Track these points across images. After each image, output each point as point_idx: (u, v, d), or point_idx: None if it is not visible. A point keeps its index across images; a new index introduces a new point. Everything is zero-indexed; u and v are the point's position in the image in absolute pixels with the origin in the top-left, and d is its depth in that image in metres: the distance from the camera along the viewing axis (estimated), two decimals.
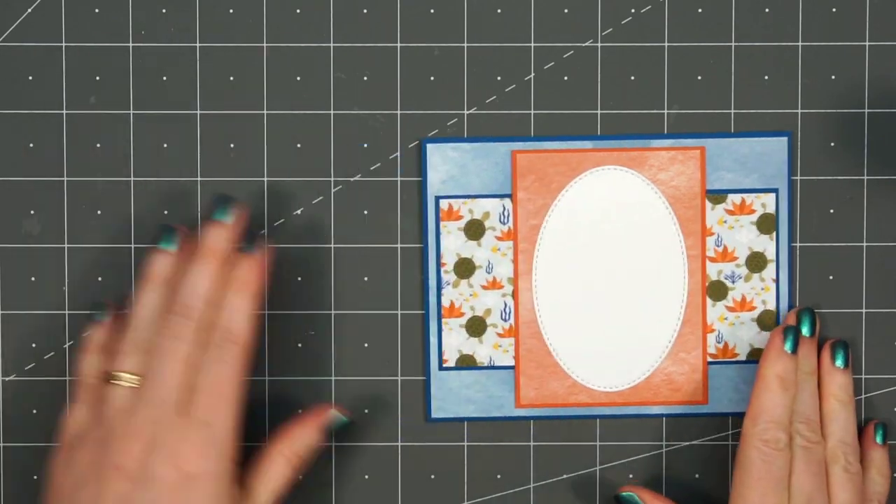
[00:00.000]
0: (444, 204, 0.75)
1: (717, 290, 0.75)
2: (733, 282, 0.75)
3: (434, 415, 0.75)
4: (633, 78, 0.75)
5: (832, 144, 0.75)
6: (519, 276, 0.75)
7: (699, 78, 0.75)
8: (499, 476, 0.76)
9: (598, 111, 0.75)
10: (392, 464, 0.76)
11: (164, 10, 0.75)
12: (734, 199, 0.75)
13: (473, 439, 0.75)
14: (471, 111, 0.75)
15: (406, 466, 0.76)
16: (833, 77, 0.75)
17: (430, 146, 0.75)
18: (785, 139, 0.75)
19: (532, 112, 0.75)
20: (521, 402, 0.75)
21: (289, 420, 0.72)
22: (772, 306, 0.75)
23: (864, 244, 0.75)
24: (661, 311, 0.75)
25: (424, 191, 0.75)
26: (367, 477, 0.76)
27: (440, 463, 0.75)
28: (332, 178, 0.75)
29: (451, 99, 0.75)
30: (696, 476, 0.75)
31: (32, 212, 0.75)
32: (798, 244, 0.75)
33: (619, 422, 0.75)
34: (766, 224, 0.75)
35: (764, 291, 0.75)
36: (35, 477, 0.75)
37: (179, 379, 0.69)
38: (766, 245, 0.75)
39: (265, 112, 0.75)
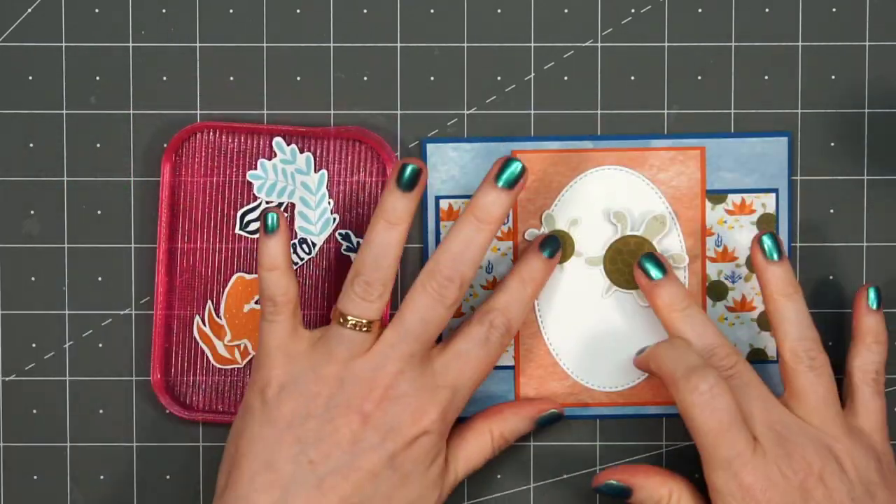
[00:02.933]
0: (444, 204, 0.75)
1: (717, 290, 0.75)
2: (733, 282, 0.75)
3: None
4: (633, 78, 0.75)
5: (832, 144, 0.75)
6: None
7: (699, 78, 0.75)
8: (499, 476, 0.76)
9: (598, 111, 0.75)
10: None
11: (164, 10, 0.75)
12: (734, 199, 0.75)
13: None
14: (471, 111, 0.75)
15: None
16: (833, 77, 0.75)
17: (430, 146, 0.75)
18: (785, 139, 0.75)
19: (532, 112, 0.75)
20: None
21: (502, 401, 0.74)
22: None
23: (864, 244, 0.75)
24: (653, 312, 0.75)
25: (425, 191, 0.75)
26: None
27: None
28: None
29: (451, 99, 0.75)
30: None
31: (32, 212, 0.75)
32: (798, 244, 0.75)
33: (619, 422, 0.75)
34: (767, 224, 0.75)
35: None
36: (35, 477, 0.75)
37: (432, 337, 0.69)
38: None
39: (265, 112, 0.75)
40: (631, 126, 0.75)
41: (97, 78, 0.75)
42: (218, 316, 0.74)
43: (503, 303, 0.70)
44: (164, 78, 0.75)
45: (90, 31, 0.75)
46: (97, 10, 0.75)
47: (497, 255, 0.75)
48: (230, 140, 0.74)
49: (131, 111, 0.75)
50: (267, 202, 0.74)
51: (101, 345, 0.75)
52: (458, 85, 0.75)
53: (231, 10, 0.75)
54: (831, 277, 0.75)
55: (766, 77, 0.75)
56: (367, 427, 0.67)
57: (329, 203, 0.74)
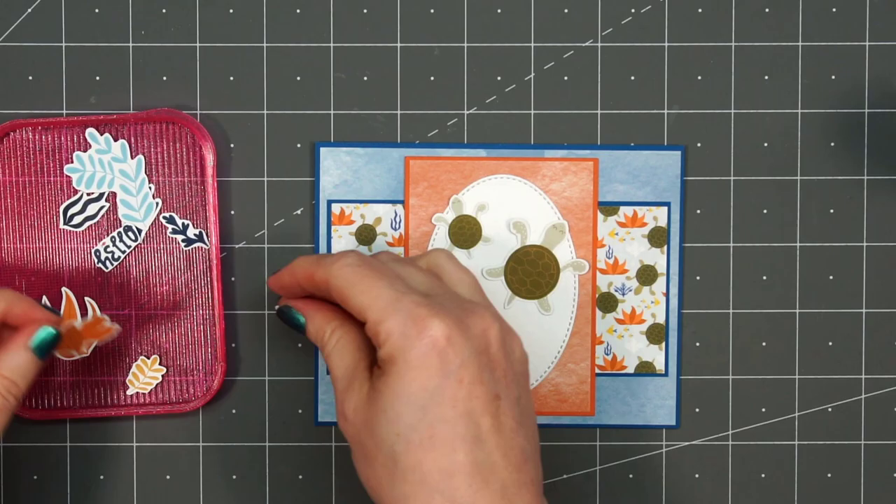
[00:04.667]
0: (336, 208, 0.75)
1: (606, 302, 0.75)
2: (623, 294, 0.75)
3: None
4: (633, 78, 0.75)
5: (832, 144, 0.75)
6: None
7: (699, 78, 0.75)
8: None
9: (599, 111, 0.75)
10: None
11: (164, 10, 0.75)
12: (626, 211, 0.75)
13: None
14: (471, 111, 0.75)
15: None
16: (833, 77, 0.75)
17: (322, 150, 0.74)
18: (678, 153, 0.75)
19: (532, 112, 0.75)
20: None
21: None
22: (661, 319, 0.75)
23: (864, 244, 0.75)
24: (551, 321, 0.75)
25: (317, 194, 0.75)
26: None
27: None
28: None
29: (451, 99, 0.75)
30: (696, 476, 0.75)
31: None
32: (798, 244, 0.75)
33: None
34: (658, 237, 0.75)
35: (654, 304, 0.75)
36: (35, 477, 0.75)
37: None
38: (657, 258, 0.75)
39: (265, 112, 0.75)
40: (631, 126, 0.75)
41: (97, 78, 0.75)
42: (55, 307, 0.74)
43: (5, 368, 0.67)
44: (164, 78, 0.75)
45: (90, 31, 0.75)
46: (97, 10, 0.75)
47: None
48: (45, 137, 0.74)
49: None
50: (87, 194, 0.74)
51: None
52: (458, 85, 0.75)
53: (231, 10, 0.75)
54: (831, 277, 0.75)
55: (766, 77, 0.75)
56: None
57: (150, 188, 0.74)
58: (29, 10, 0.75)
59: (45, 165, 0.74)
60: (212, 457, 0.75)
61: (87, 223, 0.74)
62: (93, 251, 0.74)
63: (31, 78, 0.75)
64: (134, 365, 0.74)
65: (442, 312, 0.64)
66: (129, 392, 0.74)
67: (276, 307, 0.70)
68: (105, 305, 0.74)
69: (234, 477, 0.75)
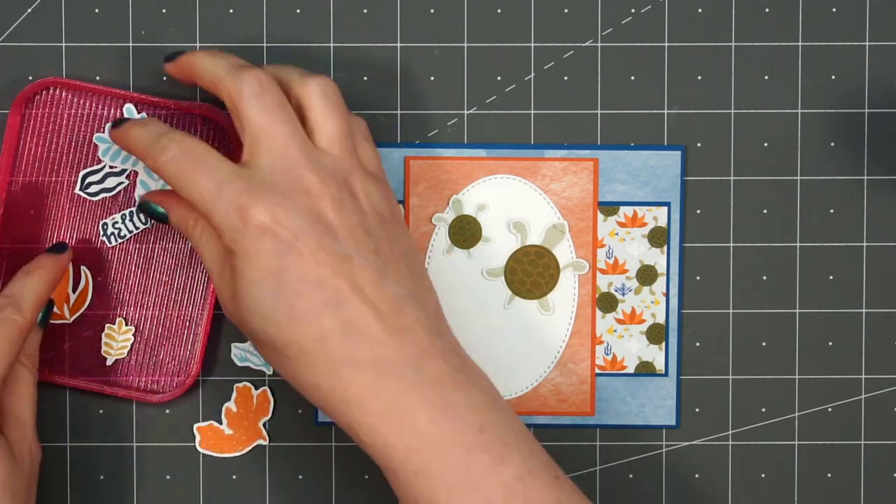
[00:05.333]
0: None
1: (606, 302, 0.75)
2: (623, 294, 0.75)
3: None
4: (633, 78, 0.75)
5: (832, 144, 0.75)
6: None
7: (699, 78, 0.75)
8: None
9: (599, 111, 0.75)
10: None
11: (164, 10, 0.75)
12: (626, 211, 0.75)
13: None
14: (471, 111, 0.75)
15: None
16: (833, 77, 0.75)
17: None
18: (678, 153, 0.75)
19: (532, 112, 0.75)
20: None
21: None
22: (661, 319, 0.75)
23: (864, 244, 0.75)
24: (551, 321, 0.75)
25: None
26: (367, 477, 0.76)
27: None
28: None
29: (451, 99, 0.75)
30: (697, 476, 0.75)
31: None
32: (798, 244, 0.75)
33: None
34: (658, 237, 0.75)
35: (654, 304, 0.75)
36: None
37: None
38: (657, 258, 0.75)
39: None
40: (631, 126, 0.75)
41: (97, 78, 0.75)
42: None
43: (9, 289, 0.70)
44: (164, 78, 0.75)
45: (90, 31, 0.75)
46: (97, 10, 0.75)
47: None
48: (81, 101, 0.74)
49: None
50: (111, 167, 0.74)
51: None
52: (458, 85, 0.75)
53: (231, 10, 0.75)
54: (831, 277, 0.75)
55: (766, 77, 0.75)
56: None
57: None
58: (29, 10, 0.75)
59: (75, 128, 0.74)
60: (211, 457, 0.75)
61: (103, 195, 0.74)
62: (101, 223, 0.74)
63: (31, 78, 0.75)
64: (106, 327, 0.74)
65: (262, 195, 0.64)
66: (108, 363, 0.75)
67: (137, 202, 0.71)
68: (97, 277, 0.74)
69: (234, 477, 0.76)
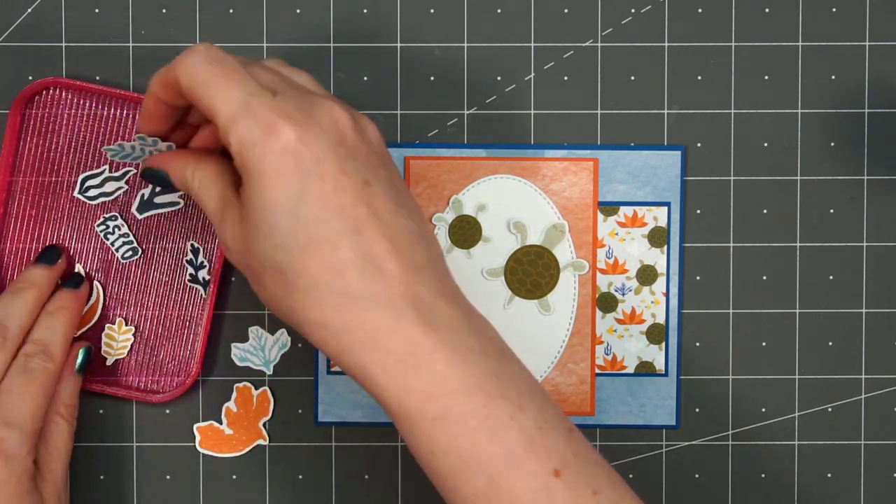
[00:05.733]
0: None
1: (606, 302, 0.75)
2: (623, 294, 0.75)
3: None
4: (633, 78, 0.75)
5: (832, 144, 0.75)
6: None
7: (699, 78, 0.75)
8: None
9: (599, 111, 0.75)
10: (392, 464, 0.76)
11: (164, 10, 0.75)
12: (626, 211, 0.75)
13: None
14: (471, 111, 0.75)
15: (406, 466, 0.76)
16: (833, 77, 0.75)
17: None
18: (678, 153, 0.75)
19: (532, 112, 0.75)
20: None
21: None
22: (661, 319, 0.75)
23: (864, 244, 0.75)
24: (551, 321, 0.75)
25: None
26: (367, 477, 0.76)
27: None
28: None
29: (451, 99, 0.75)
30: (696, 476, 0.75)
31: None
32: (798, 244, 0.75)
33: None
34: (658, 237, 0.75)
35: (654, 304, 0.75)
36: None
37: None
38: (657, 258, 0.75)
39: None
40: (631, 126, 0.75)
41: (97, 78, 0.75)
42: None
43: (36, 334, 0.71)
44: None
45: (90, 31, 0.75)
46: (97, 10, 0.75)
47: None
48: (81, 101, 0.74)
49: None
50: (110, 171, 0.74)
51: None
52: (458, 85, 0.75)
53: (231, 10, 0.75)
54: (831, 277, 0.75)
55: (766, 77, 0.75)
56: None
57: None
58: (29, 10, 0.75)
59: (75, 129, 0.74)
60: (211, 457, 0.75)
61: (102, 199, 0.74)
62: (96, 224, 0.74)
63: (31, 78, 0.75)
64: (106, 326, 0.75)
65: (290, 112, 0.61)
66: (108, 363, 0.75)
67: (140, 172, 0.69)
68: (97, 277, 0.74)
69: (234, 477, 0.76)
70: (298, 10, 0.75)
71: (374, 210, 0.61)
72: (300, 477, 0.76)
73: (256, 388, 0.75)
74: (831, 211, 0.75)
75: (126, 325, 0.74)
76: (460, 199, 0.75)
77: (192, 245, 0.74)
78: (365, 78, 0.75)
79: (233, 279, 0.75)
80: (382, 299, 0.60)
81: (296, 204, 0.60)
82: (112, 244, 0.74)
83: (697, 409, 0.76)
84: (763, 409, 0.76)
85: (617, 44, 0.75)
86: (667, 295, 0.75)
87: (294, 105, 0.62)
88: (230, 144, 0.61)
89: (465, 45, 0.75)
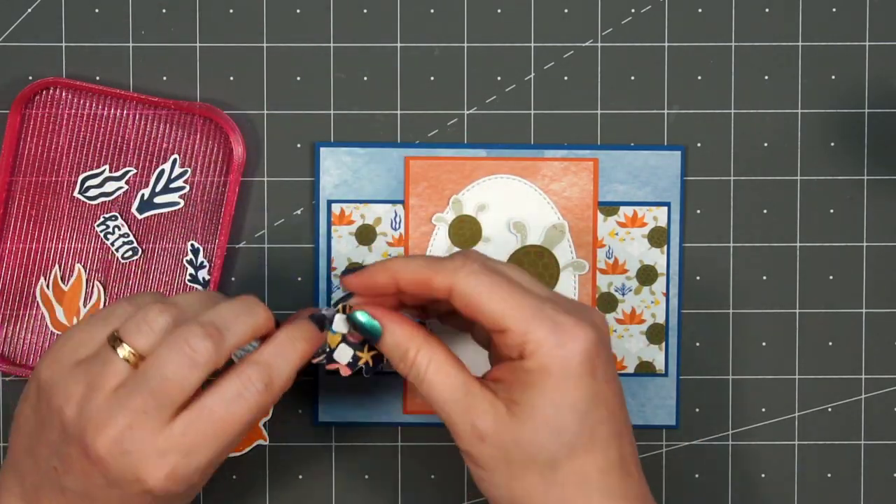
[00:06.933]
0: (336, 208, 0.75)
1: (606, 302, 0.75)
2: (623, 294, 0.75)
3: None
4: (633, 78, 0.75)
5: (832, 144, 0.75)
6: None
7: (699, 78, 0.75)
8: None
9: (599, 111, 0.75)
10: (392, 464, 0.76)
11: (164, 10, 0.75)
12: (626, 211, 0.75)
13: None
14: (471, 111, 0.75)
15: (406, 466, 0.76)
16: (833, 77, 0.75)
17: (323, 150, 0.74)
18: (678, 153, 0.75)
19: (532, 112, 0.75)
20: (407, 408, 0.75)
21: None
22: (661, 319, 0.75)
23: (864, 244, 0.75)
24: None
25: (317, 194, 0.75)
26: (367, 477, 0.76)
27: (440, 463, 0.75)
28: None
29: (451, 99, 0.75)
30: (697, 476, 0.75)
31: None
32: (798, 244, 0.75)
33: None
34: (658, 237, 0.75)
35: (654, 304, 0.75)
36: None
37: (173, 397, 0.62)
38: (657, 258, 0.75)
39: (265, 112, 0.75)
40: (631, 126, 0.75)
41: (97, 78, 0.75)
42: (63, 282, 0.74)
43: (268, 355, 0.64)
44: (165, 78, 0.75)
45: (90, 31, 0.75)
46: (97, 10, 0.75)
47: None
48: (81, 101, 0.74)
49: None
50: (110, 171, 0.74)
51: None
52: (458, 85, 0.75)
53: (231, 10, 0.75)
54: (831, 277, 0.75)
55: (766, 77, 0.75)
56: (95, 469, 0.62)
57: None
58: (29, 10, 0.75)
59: (75, 129, 0.74)
60: None
61: (102, 199, 0.74)
62: (96, 224, 0.74)
63: (31, 78, 0.75)
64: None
65: (579, 317, 0.63)
66: None
67: (340, 306, 0.66)
68: (98, 277, 0.74)
69: (234, 477, 0.76)
70: (298, 10, 0.75)
71: (626, 414, 0.65)
72: (300, 477, 0.76)
73: None
74: (831, 211, 0.75)
75: None
76: (460, 199, 0.75)
77: (192, 245, 0.74)
78: (365, 78, 0.75)
79: (233, 279, 0.75)
80: (630, 501, 0.64)
81: (589, 405, 0.63)
82: (112, 244, 0.74)
83: (697, 409, 0.76)
84: (763, 409, 0.76)
85: (617, 44, 0.75)
86: (667, 295, 0.75)
87: (573, 307, 0.64)
88: (524, 346, 0.63)
89: (465, 45, 0.75)
